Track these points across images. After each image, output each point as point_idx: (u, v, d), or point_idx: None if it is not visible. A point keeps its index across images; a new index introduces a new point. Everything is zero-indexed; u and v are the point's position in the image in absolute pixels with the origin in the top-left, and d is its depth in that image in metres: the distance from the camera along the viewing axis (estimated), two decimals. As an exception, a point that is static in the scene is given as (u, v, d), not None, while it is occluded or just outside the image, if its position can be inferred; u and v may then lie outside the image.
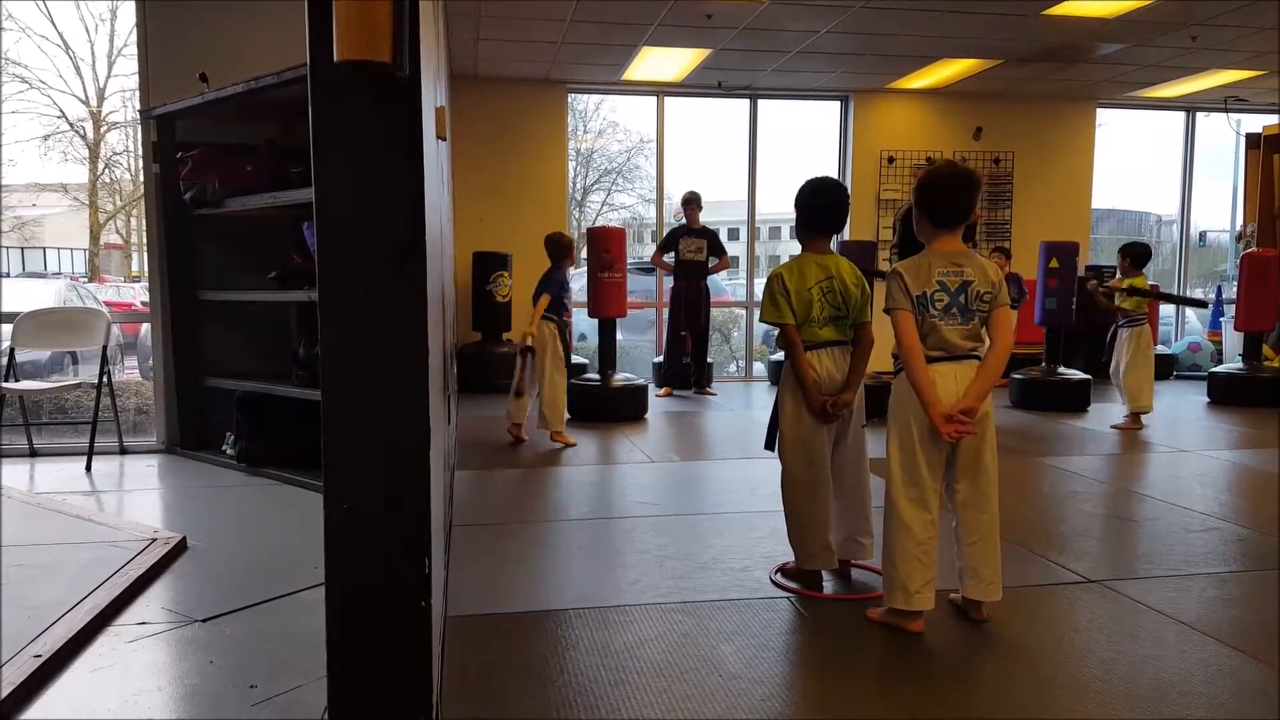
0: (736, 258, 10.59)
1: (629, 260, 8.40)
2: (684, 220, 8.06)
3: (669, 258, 8.03)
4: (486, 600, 2.99)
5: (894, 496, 2.73)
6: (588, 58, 7.83)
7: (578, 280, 9.52)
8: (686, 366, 8.08)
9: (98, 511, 4.08)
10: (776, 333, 3.19)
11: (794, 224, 3.25)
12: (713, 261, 7.97)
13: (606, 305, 6.63)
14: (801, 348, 3.06)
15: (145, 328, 9.23)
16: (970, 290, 2.69)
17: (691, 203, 7.96)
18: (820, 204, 3.17)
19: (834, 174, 8.80)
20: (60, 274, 19.78)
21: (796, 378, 3.08)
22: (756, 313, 9.26)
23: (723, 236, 8.41)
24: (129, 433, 5.56)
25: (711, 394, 7.97)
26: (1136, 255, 6.42)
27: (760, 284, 9.26)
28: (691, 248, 7.90)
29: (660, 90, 8.89)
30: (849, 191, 3.31)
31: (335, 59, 1.53)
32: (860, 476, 3.21)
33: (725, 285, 11.72)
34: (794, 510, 3.15)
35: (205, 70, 4.79)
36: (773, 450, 3.25)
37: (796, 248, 3.24)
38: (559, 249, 5.73)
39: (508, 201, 8.67)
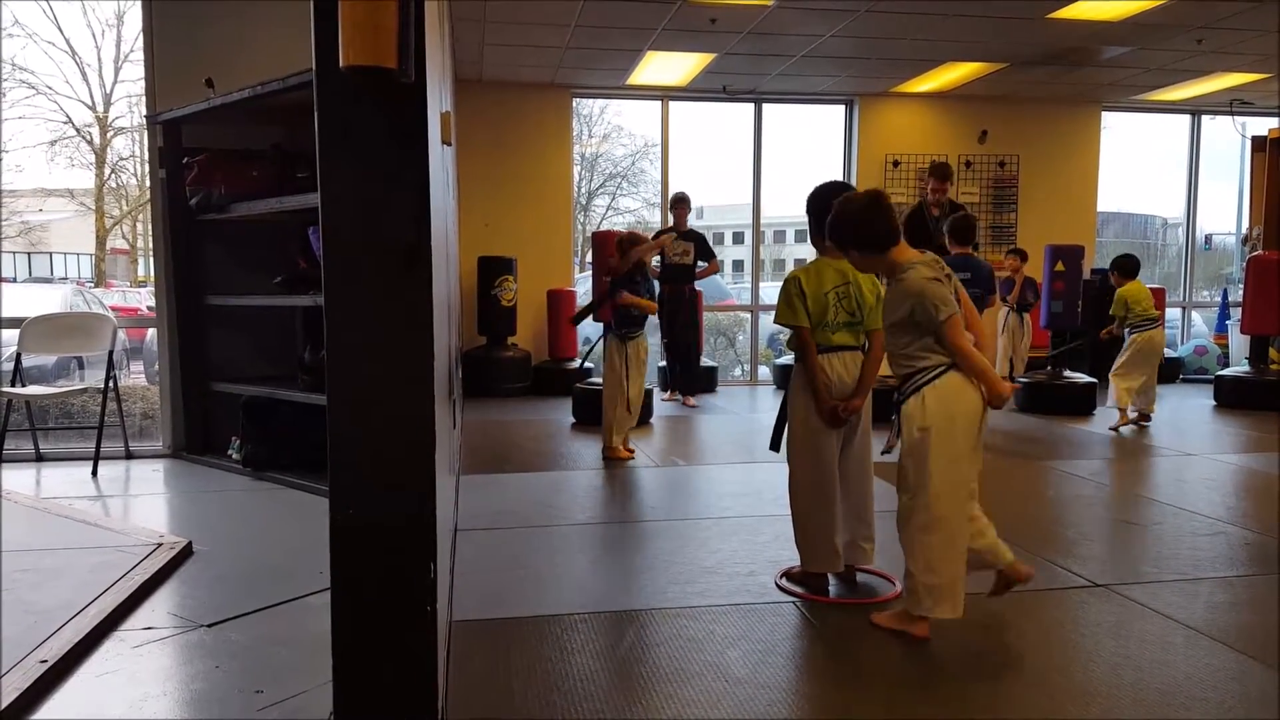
0: (741, 261, 10.55)
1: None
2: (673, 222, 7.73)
3: (655, 261, 7.83)
4: (492, 605, 2.99)
5: (943, 511, 2.63)
6: (592, 62, 7.84)
7: (581, 284, 9.53)
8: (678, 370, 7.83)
9: (103, 516, 4.09)
10: (788, 335, 3.18)
11: (807, 229, 3.24)
12: (701, 265, 7.61)
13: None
14: (815, 351, 3.06)
15: (151, 333, 9.27)
16: None
17: (681, 203, 7.65)
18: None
19: (839, 177, 8.77)
20: (67, 279, 19.85)
21: (808, 381, 3.08)
22: (762, 316, 9.35)
23: (727, 240, 8.22)
24: (135, 437, 5.57)
25: (692, 405, 7.49)
26: (1124, 267, 6.59)
27: (765, 287, 9.27)
28: (678, 250, 7.53)
29: (665, 94, 8.89)
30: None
31: (341, 64, 1.53)
32: (865, 482, 3.20)
33: (730, 289, 11.71)
34: (800, 513, 3.14)
35: (211, 75, 4.80)
36: (777, 451, 3.25)
37: (800, 251, 3.24)
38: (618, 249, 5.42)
39: (513, 206, 8.68)
